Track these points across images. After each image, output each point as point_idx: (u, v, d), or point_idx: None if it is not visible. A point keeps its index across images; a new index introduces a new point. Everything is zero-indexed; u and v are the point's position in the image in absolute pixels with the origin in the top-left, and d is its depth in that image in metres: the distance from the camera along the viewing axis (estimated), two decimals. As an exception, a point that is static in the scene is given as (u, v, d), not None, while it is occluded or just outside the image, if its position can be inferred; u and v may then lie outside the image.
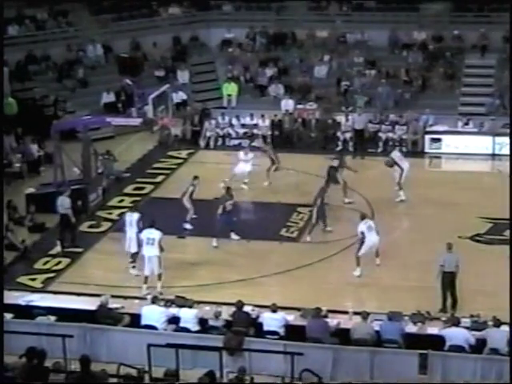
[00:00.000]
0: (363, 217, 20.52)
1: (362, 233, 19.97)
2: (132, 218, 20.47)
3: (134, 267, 20.32)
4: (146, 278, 19.32)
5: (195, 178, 22.90)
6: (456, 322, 16.46)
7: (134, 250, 20.25)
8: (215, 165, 28.44)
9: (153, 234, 19.36)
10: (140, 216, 20.41)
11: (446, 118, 30.46)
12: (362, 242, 20.03)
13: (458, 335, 16.17)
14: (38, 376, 13.12)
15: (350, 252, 21.32)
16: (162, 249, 19.28)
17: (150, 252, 19.29)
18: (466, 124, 29.76)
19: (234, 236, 22.07)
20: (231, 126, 30.87)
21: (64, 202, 21.95)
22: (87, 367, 13.21)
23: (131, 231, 20.30)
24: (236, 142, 30.46)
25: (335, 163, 24.63)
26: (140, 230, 19.99)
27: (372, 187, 25.17)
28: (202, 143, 30.28)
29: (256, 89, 33.68)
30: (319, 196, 22.26)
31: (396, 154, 25.10)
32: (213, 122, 30.78)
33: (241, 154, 26.35)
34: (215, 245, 21.67)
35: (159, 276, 19.31)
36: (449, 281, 18.12)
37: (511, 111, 29.83)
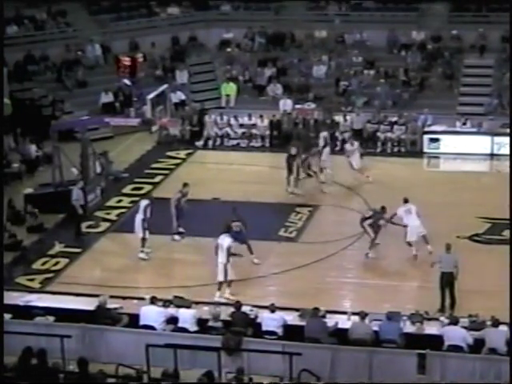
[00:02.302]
0: (406, 201, 20.91)
1: (399, 216, 20.50)
2: (142, 203, 21.27)
3: (142, 251, 20.84)
4: (220, 283, 18.89)
5: (185, 185, 22.34)
6: (454, 321, 16.48)
7: (140, 234, 20.88)
8: (214, 165, 28.46)
9: (224, 240, 19.01)
10: (148, 203, 21.09)
11: (445, 117, 30.41)
12: (405, 227, 20.48)
13: (456, 335, 16.18)
14: (39, 375, 13.13)
15: (349, 252, 21.36)
16: (231, 255, 18.84)
17: (219, 258, 18.92)
18: (464, 124, 29.73)
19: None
20: (230, 126, 30.83)
21: (80, 196, 22.64)
22: (85, 369, 13.21)
23: (138, 216, 20.96)
24: (234, 142, 30.45)
25: (293, 151, 24.76)
26: (145, 217, 20.72)
27: (371, 187, 25.19)
28: (201, 144, 30.22)
29: (254, 89, 33.64)
30: (376, 218, 20.88)
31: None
32: (212, 116, 30.83)
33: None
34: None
35: (221, 283, 18.85)
36: (447, 281, 18.12)
37: (511, 111, 29.83)
